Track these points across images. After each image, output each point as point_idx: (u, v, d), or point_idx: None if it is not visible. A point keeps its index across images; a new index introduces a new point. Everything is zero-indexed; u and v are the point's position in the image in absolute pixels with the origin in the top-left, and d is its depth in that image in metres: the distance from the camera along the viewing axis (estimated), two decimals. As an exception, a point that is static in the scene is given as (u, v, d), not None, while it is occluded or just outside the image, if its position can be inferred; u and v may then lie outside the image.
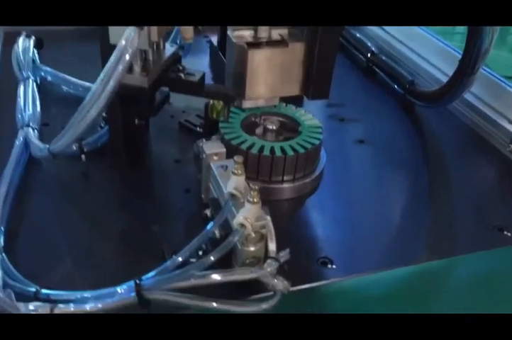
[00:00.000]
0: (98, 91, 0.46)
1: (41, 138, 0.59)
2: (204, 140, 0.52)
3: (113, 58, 0.45)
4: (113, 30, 0.49)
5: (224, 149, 0.51)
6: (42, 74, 0.72)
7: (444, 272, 0.51)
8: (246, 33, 0.56)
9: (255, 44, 0.56)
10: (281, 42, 0.56)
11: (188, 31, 0.54)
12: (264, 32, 0.56)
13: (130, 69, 0.52)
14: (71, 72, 0.72)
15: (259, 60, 0.56)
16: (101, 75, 0.46)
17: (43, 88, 0.71)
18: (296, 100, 0.63)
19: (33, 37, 0.77)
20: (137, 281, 0.39)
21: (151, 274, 0.40)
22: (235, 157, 0.44)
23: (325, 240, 0.52)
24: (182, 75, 0.56)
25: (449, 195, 0.60)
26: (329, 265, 0.49)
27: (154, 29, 0.52)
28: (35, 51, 0.76)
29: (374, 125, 0.71)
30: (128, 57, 0.45)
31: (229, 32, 0.57)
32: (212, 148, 0.51)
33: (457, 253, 0.51)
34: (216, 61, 0.77)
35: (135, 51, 0.45)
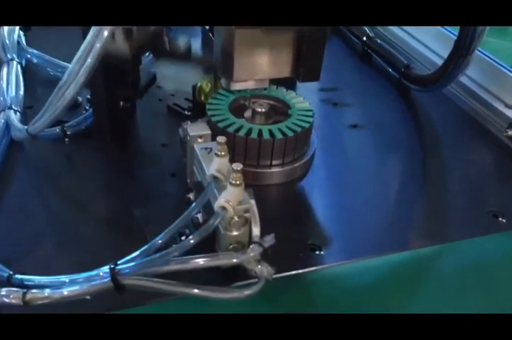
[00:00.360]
0: (75, 70, 0.44)
1: (25, 121, 0.57)
2: (189, 122, 0.50)
3: (90, 34, 0.43)
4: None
5: (209, 131, 0.49)
6: (28, 56, 0.70)
7: (436, 258, 0.50)
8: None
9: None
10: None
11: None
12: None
13: (111, 35, 0.49)
14: (59, 54, 0.70)
15: (247, 40, 0.54)
16: (79, 53, 0.44)
17: (29, 70, 0.69)
18: (289, 84, 0.61)
19: (19, 19, 0.75)
20: (112, 266, 0.37)
21: (128, 258, 0.39)
22: (218, 138, 0.42)
23: (314, 226, 0.51)
24: (167, 39, 0.53)
25: (444, 181, 0.58)
26: (317, 252, 0.47)
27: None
28: (21, 32, 0.74)
29: (368, 110, 0.69)
30: (106, 33, 0.43)
31: (216, 11, 0.55)
32: (196, 130, 0.49)
33: (450, 240, 0.50)
34: (207, 42, 0.75)
35: (111, 31, 0.43)
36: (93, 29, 0.43)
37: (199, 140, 0.49)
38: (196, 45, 0.60)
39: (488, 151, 0.63)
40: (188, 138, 0.49)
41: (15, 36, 0.71)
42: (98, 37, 0.43)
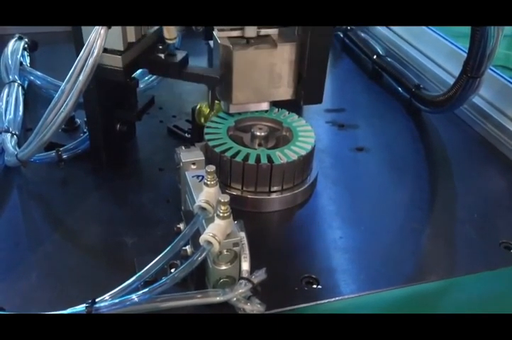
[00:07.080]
0: (66, 89, 0.43)
1: (23, 144, 0.56)
2: (183, 148, 0.49)
3: (82, 51, 0.42)
4: (86, 29, 0.46)
5: (202, 158, 0.47)
6: (31, 77, 0.70)
7: (443, 295, 0.46)
8: (233, 33, 0.53)
9: (242, 44, 0.52)
10: (269, 43, 0.53)
11: (170, 31, 0.51)
12: (251, 32, 0.52)
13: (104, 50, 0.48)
14: (64, 76, 0.69)
15: (246, 62, 0.52)
16: (71, 71, 0.43)
17: (32, 92, 0.69)
18: (293, 105, 0.59)
19: (25, 40, 0.75)
20: (88, 305, 0.35)
21: (107, 294, 0.37)
22: (207, 167, 0.40)
23: (313, 257, 0.48)
24: (162, 55, 0.52)
25: (453, 209, 0.55)
26: (314, 286, 0.45)
27: (131, 29, 0.49)
28: (26, 53, 0.73)
29: (376, 132, 0.66)
30: (97, 49, 0.41)
31: (215, 33, 0.53)
32: (190, 156, 0.47)
33: (457, 274, 0.47)
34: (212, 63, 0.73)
35: (101, 49, 0.42)
36: (86, 45, 0.42)
37: (192, 167, 0.47)
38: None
39: (501, 177, 0.59)
40: (181, 164, 0.47)
41: (19, 57, 0.70)
42: (91, 53, 0.42)
